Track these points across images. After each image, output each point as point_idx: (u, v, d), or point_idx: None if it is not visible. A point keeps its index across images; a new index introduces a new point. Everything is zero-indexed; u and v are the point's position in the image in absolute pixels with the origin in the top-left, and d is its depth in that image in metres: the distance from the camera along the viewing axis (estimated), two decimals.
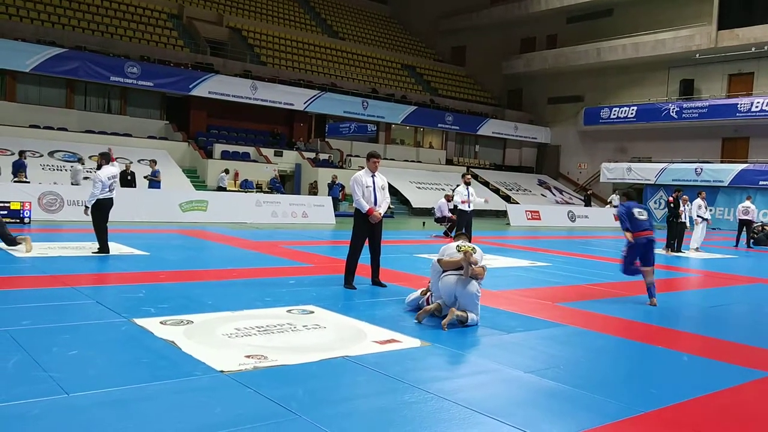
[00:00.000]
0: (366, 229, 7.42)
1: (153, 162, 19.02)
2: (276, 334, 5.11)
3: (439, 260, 5.93)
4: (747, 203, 17.75)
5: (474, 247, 5.80)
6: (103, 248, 9.30)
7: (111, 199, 9.41)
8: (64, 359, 4.16)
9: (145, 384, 3.76)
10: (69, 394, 3.51)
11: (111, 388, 3.65)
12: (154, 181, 18.46)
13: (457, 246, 5.78)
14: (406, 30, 41.15)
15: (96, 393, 3.56)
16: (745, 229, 17.81)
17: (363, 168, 7.65)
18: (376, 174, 7.51)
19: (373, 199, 7.39)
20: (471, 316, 5.63)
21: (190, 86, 24.22)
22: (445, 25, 40.91)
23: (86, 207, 9.35)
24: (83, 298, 6.15)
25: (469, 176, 12.66)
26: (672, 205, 15.21)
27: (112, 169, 9.57)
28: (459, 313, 5.56)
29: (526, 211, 25.18)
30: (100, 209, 9.26)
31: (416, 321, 5.75)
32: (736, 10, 28.69)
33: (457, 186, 12.60)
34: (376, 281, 7.61)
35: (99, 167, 9.40)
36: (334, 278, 7.35)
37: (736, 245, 17.83)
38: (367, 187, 7.38)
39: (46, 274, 7.43)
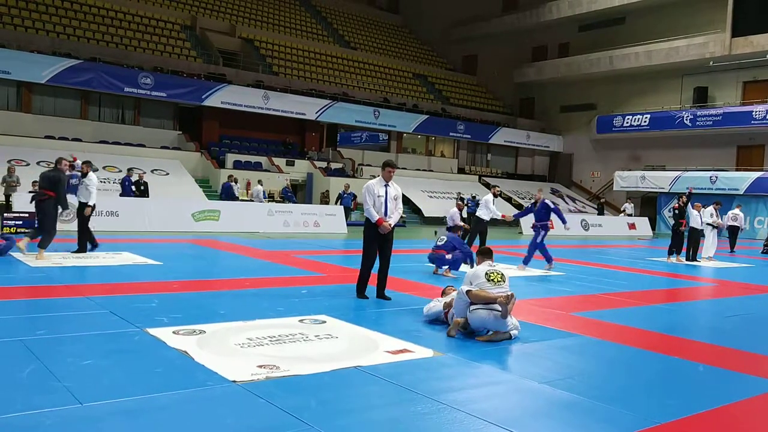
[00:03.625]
0: (376, 239, 7.26)
1: (87, 164, 17.91)
2: (288, 344, 5.10)
3: (468, 292, 5.53)
4: (736, 211, 18.99)
5: (503, 274, 5.67)
6: (83, 248, 10.32)
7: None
8: (78, 369, 4.18)
9: (158, 394, 3.76)
10: (83, 404, 3.52)
11: (124, 397, 3.66)
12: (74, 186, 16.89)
13: (487, 273, 5.60)
14: (417, 39, 41.27)
15: (109, 403, 3.57)
16: (730, 234, 19.20)
17: (377, 176, 7.52)
18: (389, 184, 7.34)
19: (384, 210, 7.22)
20: (513, 333, 5.55)
21: (203, 96, 24.41)
22: (457, 34, 40.98)
23: (92, 207, 10.43)
24: (97, 307, 6.18)
25: (498, 188, 12.84)
26: (677, 211, 15.09)
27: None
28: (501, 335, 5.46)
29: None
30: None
31: (449, 335, 5.58)
32: (750, 17, 28.49)
33: (485, 196, 12.80)
34: (381, 294, 7.38)
35: (84, 175, 10.51)
36: (346, 288, 7.34)
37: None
38: (378, 196, 7.22)
39: (60, 284, 7.48)
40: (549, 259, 11.32)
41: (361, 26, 38.59)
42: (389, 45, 38.07)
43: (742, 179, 28.51)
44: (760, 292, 10.20)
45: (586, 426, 3.62)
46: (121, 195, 17.50)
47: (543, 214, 11.60)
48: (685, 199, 15.03)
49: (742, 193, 28.12)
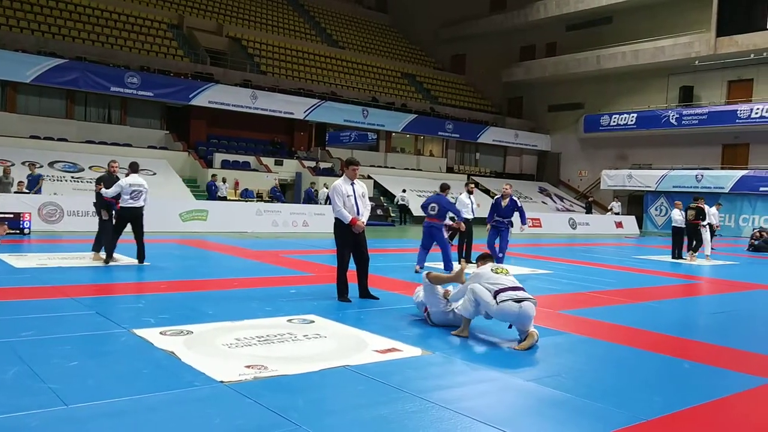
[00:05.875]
0: (350, 240, 7.11)
1: (32, 165, 17.80)
2: (276, 344, 5.09)
3: (428, 273, 5.98)
4: (714, 210, 18.90)
5: (507, 270, 5.69)
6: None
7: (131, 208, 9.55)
8: (64, 370, 4.14)
9: (145, 395, 3.73)
10: (68, 406, 3.49)
11: (110, 399, 3.63)
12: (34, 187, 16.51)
13: (492, 269, 5.60)
14: (406, 39, 41.28)
15: (95, 404, 3.54)
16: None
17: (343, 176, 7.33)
18: (355, 182, 7.22)
19: (355, 209, 7.10)
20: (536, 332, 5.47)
21: (190, 96, 24.27)
22: (445, 33, 41.05)
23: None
24: (83, 308, 6.13)
25: (473, 185, 12.64)
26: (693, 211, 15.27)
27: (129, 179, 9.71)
28: (534, 335, 5.37)
29: (527, 218, 25.12)
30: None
31: (465, 336, 5.57)
32: (735, 17, 28.76)
33: (460, 194, 12.58)
34: (365, 294, 7.29)
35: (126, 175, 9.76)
36: (334, 287, 7.32)
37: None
38: (348, 196, 7.07)
39: (46, 285, 7.41)
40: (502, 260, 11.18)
41: (349, 25, 38.54)
42: (378, 44, 38.05)
43: (727, 178, 28.78)
44: (745, 289, 10.30)
45: (573, 423, 3.64)
46: None
47: (511, 210, 11.38)
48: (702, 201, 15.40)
49: (727, 191, 28.40)
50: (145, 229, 10.01)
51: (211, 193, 22.06)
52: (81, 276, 8.24)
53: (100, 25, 25.86)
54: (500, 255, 11.10)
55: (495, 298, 5.37)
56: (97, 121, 24.57)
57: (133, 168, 9.79)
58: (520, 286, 5.52)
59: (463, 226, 10.83)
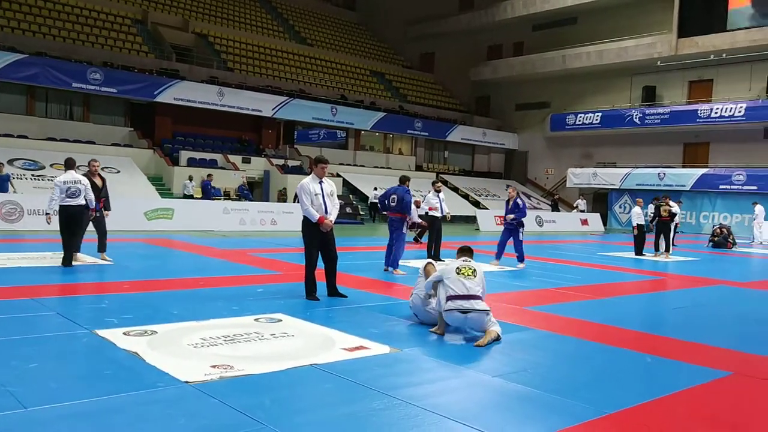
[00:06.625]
0: (318, 239, 7.08)
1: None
2: (243, 343, 5.04)
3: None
4: (676, 207, 19.48)
5: (474, 270, 5.64)
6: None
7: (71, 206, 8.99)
8: (23, 372, 4.04)
9: (107, 396, 3.67)
10: (27, 408, 3.41)
11: (71, 401, 3.55)
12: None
13: (458, 268, 5.60)
14: (374, 36, 41.25)
15: (56, 407, 3.46)
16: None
17: (310, 175, 7.30)
18: (324, 180, 7.19)
19: (323, 208, 7.07)
20: (497, 329, 5.50)
21: (155, 92, 23.85)
22: (414, 31, 41.14)
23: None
24: (44, 309, 5.98)
25: (440, 184, 12.70)
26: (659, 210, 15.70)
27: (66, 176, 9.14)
28: (492, 333, 5.40)
29: (495, 216, 25.38)
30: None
31: (440, 333, 5.59)
32: (696, 19, 29.43)
33: (428, 193, 12.65)
34: (333, 292, 7.27)
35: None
36: (302, 286, 7.29)
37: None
38: (316, 194, 7.04)
39: (5, 285, 7.21)
40: (521, 258, 11.64)
41: (317, 23, 38.34)
42: (346, 42, 37.94)
43: (688, 176, 29.47)
44: (704, 284, 10.56)
45: (539, 417, 3.69)
46: None
47: (516, 210, 11.82)
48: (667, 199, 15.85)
49: (688, 189, 29.07)
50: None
51: (207, 193, 21.52)
52: (42, 276, 8.04)
53: (61, 19, 25.25)
54: (516, 255, 11.64)
55: (446, 302, 5.46)
56: (59, 118, 23.99)
57: (69, 164, 9.22)
58: (476, 294, 5.48)
59: (424, 222, 11.00)
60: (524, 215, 11.86)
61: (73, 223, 8.97)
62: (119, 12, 27.85)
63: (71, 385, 3.87)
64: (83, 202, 9.05)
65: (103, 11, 27.17)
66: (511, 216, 11.78)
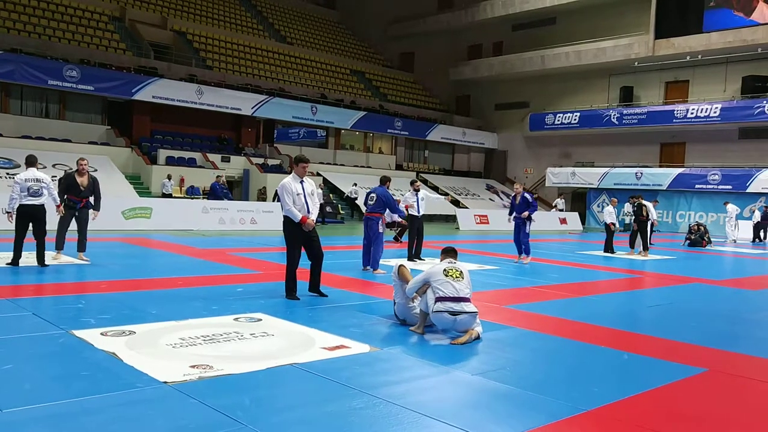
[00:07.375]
0: (301, 238, 7.11)
1: None
2: (222, 343, 5.02)
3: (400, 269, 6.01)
4: (651, 206, 19.69)
5: (461, 271, 5.64)
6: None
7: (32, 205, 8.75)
8: None
9: (84, 397, 3.63)
10: (2, 411, 3.36)
11: (48, 402, 3.51)
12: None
13: (445, 270, 5.59)
14: (354, 35, 41.20)
15: (32, 408, 3.42)
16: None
17: (290, 173, 7.30)
18: (304, 179, 7.20)
19: (305, 207, 7.09)
20: (479, 329, 5.53)
21: (133, 90, 23.60)
22: (394, 31, 41.17)
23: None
24: (19, 310, 5.90)
25: (419, 183, 12.73)
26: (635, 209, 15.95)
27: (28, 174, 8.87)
28: (473, 333, 5.42)
29: (474, 215, 25.52)
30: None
31: (420, 332, 5.61)
32: (672, 20, 29.85)
33: (407, 192, 12.70)
34: (314, 289, 7.30)
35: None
36: (282, 285, 7.27)
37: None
38: (297, 194, 7.05)
39: None
40: (528, 251, 12.35)
41: (297, 21, 38.19)
42: (326, 41, 37.85)
43: (665, 175, 29.89)
44: (680, 283, 10.73)
45: (516, 414, 3.72)
46: None
47: (524, 206, 12.42)
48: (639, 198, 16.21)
49: (665, 188, 29.48)
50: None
51: (215, 193, 20.80)
52: (16, 276, 7.92)
53: (36, 16, 24.85)
54: (522, 246, 12.37)
55: (435, 303, 5.45)
56: (34, 116, 23.62)
57: (30, 162, 8.95)
58: (465, 296, 5.50)
59: (405, 222, 11.13)
60: (536, 209, 12.58)
61: (35, 222, 8.74)
62: (96, 8, 27.48)
63: (47, 386, 3.82)
64: (44, 202, 8.82)
65: (79, 8, 26.80)
66: (526, 213, 12.36)
